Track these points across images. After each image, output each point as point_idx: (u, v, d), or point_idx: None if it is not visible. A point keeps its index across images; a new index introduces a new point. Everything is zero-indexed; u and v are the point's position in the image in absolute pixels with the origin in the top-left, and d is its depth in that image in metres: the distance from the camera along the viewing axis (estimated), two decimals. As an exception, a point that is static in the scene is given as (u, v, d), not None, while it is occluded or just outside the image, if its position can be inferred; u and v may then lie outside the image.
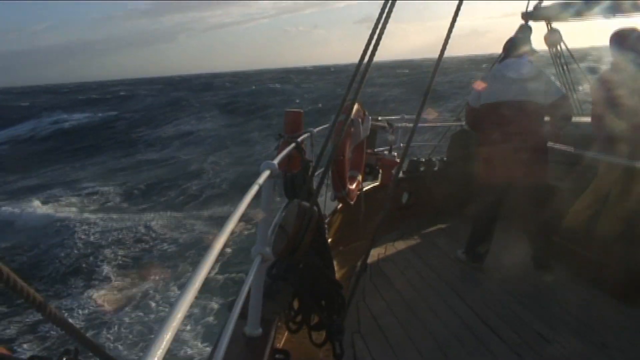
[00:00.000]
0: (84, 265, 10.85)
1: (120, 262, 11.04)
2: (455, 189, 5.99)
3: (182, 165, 22.52)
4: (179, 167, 21.97)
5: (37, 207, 16.11)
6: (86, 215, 15.01)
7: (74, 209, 16.06)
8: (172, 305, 0.68)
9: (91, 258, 11.19)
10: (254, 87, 58.57)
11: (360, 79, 1.77)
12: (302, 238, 1.77)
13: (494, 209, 4.25)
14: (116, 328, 7.93)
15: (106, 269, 10.56)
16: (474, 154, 6.18)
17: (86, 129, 37.38)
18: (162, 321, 0.64)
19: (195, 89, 66.12)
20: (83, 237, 12.66)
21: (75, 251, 11.70)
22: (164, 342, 0.59)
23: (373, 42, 1.86)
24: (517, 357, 2.77)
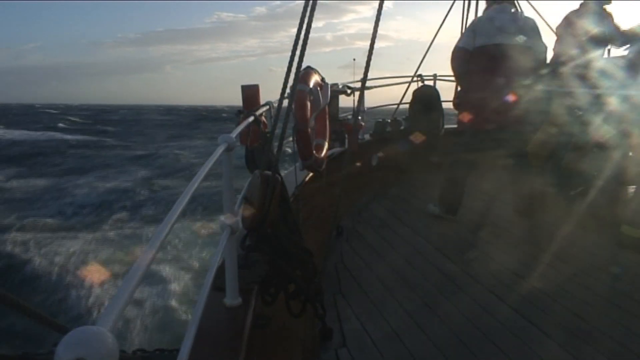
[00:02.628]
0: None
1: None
2: (420, 144, 6.10)
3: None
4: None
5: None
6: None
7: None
8: (126, 275, 0.71)
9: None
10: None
11: (302, 45, 1.77)
12: (269, 206, 1.80)
13: (470, 157, 4.31)
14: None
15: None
16: (436, 107, 6.26)
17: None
18: (114, 295, 0.66)
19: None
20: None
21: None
22: (119, 305, 0.62)
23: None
24: (494, 297, 2.90)
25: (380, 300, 2.83)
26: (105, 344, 0.52)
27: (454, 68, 4.35)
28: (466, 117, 4.36)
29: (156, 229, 0.91)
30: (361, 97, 2.26)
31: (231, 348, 1.53)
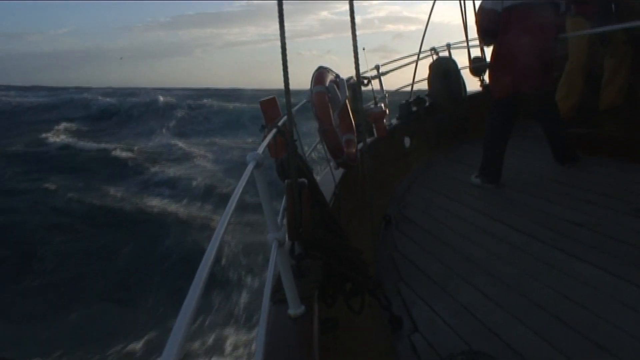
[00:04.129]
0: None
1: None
2: (447, 116, 6.01)
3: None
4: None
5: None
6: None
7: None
8: (184, 301, 0.73)
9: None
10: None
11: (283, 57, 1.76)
12: (301, 212, 1.81)
13: (508, 122, 4.22)
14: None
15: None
16: (455, 77, 6.15)
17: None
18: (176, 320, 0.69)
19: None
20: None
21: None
22: (179, 337, 0.64)
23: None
24: (557, 251, 2.82)
25: (442, 279, 2.80)
26: None
27: (482, 29, 4.20)
28: (499, 81, 4.25)
29: (203, 257, 0.93)
30: (358, 89, 2.24)
31: (304, 355, 1.55)
